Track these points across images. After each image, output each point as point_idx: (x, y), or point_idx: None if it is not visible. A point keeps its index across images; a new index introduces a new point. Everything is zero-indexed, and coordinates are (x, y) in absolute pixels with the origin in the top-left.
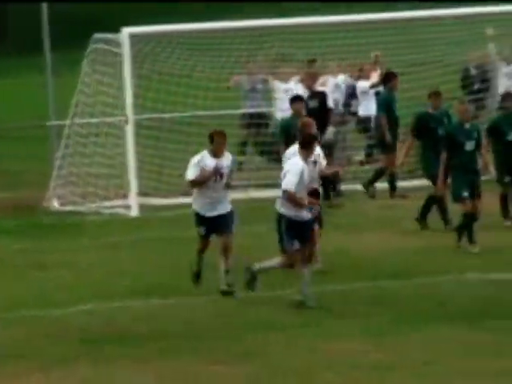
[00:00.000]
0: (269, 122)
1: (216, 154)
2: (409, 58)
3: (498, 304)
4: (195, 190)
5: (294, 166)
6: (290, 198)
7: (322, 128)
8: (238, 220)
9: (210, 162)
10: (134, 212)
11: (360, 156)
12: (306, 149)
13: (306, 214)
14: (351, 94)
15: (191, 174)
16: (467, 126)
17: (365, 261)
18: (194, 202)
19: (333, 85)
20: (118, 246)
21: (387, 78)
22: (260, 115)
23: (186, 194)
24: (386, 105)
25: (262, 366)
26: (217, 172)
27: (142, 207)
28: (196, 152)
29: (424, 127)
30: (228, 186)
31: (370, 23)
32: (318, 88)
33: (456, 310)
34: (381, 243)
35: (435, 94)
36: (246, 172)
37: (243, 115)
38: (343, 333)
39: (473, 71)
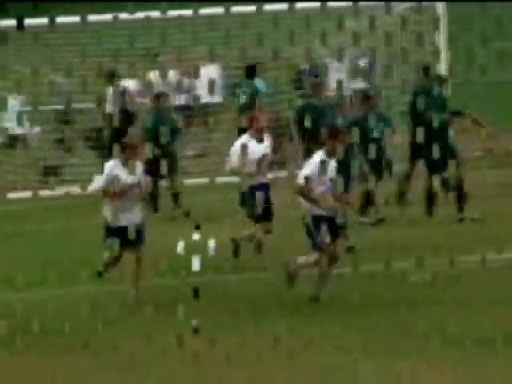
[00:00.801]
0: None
1: (128, 163)
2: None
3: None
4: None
5: (311, 160)
6: (297, 191)
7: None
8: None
9: (122, 172)
10: None
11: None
12: (333, 141)
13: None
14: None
15: (101, 183)
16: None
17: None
18: (106, 211)
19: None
20: None
21: (253, 71)
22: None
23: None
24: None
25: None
26: (130, 186)
27: None
28: None
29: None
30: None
31: (206, 18)
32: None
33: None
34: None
35: (318, 86)
36: None
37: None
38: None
39: (304, 66)
